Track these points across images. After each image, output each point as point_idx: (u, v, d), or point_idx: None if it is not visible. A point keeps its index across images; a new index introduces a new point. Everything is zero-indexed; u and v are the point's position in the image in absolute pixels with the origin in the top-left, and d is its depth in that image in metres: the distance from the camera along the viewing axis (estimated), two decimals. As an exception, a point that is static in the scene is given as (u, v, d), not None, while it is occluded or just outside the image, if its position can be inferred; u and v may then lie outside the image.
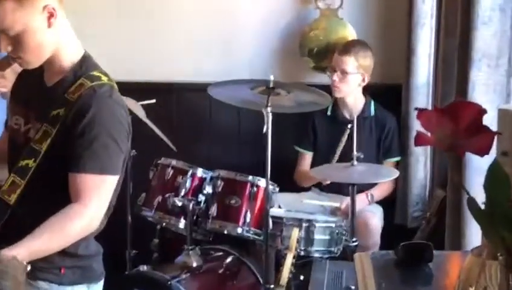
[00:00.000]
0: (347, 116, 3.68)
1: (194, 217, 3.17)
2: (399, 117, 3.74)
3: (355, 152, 3.17)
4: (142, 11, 4.10)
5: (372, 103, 3.72)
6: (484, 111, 1.17)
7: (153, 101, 3.57)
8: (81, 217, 1.92)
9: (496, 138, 1.19)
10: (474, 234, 2.42)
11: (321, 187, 3.74)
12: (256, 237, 3.16)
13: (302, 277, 3.07)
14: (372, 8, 3.96)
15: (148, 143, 3.32)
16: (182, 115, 4.11)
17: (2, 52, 2.00)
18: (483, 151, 1.17)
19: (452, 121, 1.17)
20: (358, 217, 3.25)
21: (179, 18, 4.10)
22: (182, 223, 3.19)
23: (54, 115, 1.99)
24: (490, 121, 1.23)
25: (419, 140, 1.20)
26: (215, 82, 3.29)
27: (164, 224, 3.31)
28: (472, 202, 1.16)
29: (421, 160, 3.65)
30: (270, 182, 3.02)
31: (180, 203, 3.14)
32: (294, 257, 2.95)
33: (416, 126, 1.56)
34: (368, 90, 3.74)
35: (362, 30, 3.90)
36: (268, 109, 2.98)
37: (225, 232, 3.17)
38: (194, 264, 3.06)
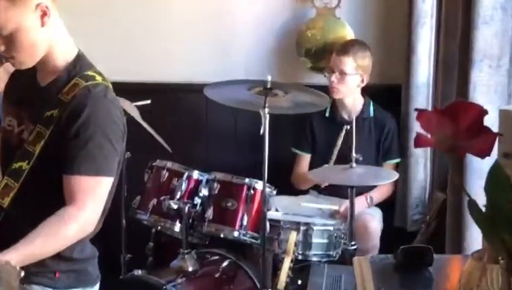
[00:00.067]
0: (346, 117, 3.65)
1: (190, 221, 3.15)
2: (398, 118, 3.72)
3: (354, 154, 3.14)
4: (137, 11, 4.08)
5: (371, 103, 3.70)
6: (485, 112, 1.16)
7: (148, 102, 3.56)
8: (75, 220, 1.91)
9: (497, 139, 1.18)
10: (475, 237, 2.41)
11: (319, 190, 3.71)
12: (253, 240, 3.14)
13: (299, 282, 3.05)
14: (371, 7, 3.92)
15: (143, 145, 3.29)
16: (177, 116, 4.08)
17: (-5, 51, 1.99)
18: (484, 153, 1.16)
19: (452, 122, 1.16)
20: (357, 220, 3.22)
21: (174, 18, 4.07)
22: (177, 227, 3.18)
23: (48, 116, 1.98)
24: (491, 122, 1.22)
25: (419, 141, 1.19)
26: (212, 83, 3.27)
27: (159, 227, 3.30)
28: (473, 204, 1.16)
29: (421, 162, 3.63)
30: (267, 184, 3.00)
31: (175, 206, 3.12)
32: (291, 261, 2.94)
33: (416, 127, 1.57)
34: (366, 91, 3.71)
35: (360, 29, 3.86)
36: (266, 110, 2.96)
37: (221, 235, 3.16)
38: (190, 269, 3.05)
